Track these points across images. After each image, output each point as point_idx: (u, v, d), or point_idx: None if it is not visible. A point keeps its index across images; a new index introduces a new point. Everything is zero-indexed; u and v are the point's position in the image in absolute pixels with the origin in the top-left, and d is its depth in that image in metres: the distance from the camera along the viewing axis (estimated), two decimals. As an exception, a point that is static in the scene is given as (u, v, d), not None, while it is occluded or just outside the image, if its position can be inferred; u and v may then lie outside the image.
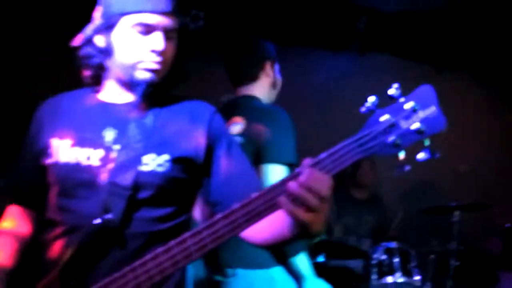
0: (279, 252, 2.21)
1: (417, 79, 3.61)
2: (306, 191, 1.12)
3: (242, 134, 2.24)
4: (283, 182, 1.16)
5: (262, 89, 2.42)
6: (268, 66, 2.43)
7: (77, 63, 1.53)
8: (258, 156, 2.17)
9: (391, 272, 3.57)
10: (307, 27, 4.62)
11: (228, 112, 2.22)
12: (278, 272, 2.22)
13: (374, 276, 3.57)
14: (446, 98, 1.25)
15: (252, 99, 2.37)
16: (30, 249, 1.57)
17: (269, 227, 1.35)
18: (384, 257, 3.61)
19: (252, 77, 2.40)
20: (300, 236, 1.27)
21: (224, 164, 1.49)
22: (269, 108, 2.34)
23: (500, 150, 4.80)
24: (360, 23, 4.54)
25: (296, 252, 2.20)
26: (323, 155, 1.14)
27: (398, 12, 4.40)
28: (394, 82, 1.18)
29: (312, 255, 3.71)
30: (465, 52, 4.64)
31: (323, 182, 1.13)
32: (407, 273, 3.61)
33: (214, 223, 1.20)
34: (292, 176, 1.16)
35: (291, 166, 2.17)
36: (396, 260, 3.59)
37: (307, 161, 1.15)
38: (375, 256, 3.60)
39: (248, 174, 1.51)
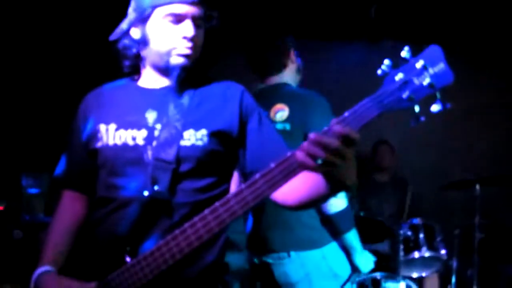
0: (334, 230, 2.37)
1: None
2: (335, 138, 1.24)
3: (288, 120, 2.38)
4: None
5: (291, 75, 2.59)
6: (292, 53, 2.60)
7: (116, 54, 1.69)
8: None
9: (418, 248, 3.68)
10: (318, 19, 4.74)
11: (266, 99, 2.36)
12: (329, 250, 2.37)
13: (401, 253, 3.68)
14: (460, 78, 1.37)
15: (287, 85, 2.54)
16: (85, 228, 1.71)
17: (303, 187, 1.48)
18: (409, 233, 3.72)
19: (281, 66, 2.57)
20: (335, 189, 1.39)
21: (256, 136, 1.63)
22: (308, 93, 2.46)
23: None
24: (371, 11, 4.67)
25: (348, 228, 2.39)
26: (346, 113, 1.28)
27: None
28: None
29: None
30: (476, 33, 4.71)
31: (349, 132, 1.24)
32: (433, 248, 3.72)
33: (254, 182, 1.34)
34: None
35: None
36: (421, 235, 3.70)
37: (333, 120, 1.28)
38: (401, 232, 3.70)
39: (280, 144, 1.65)
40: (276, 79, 2.57)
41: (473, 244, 3.88)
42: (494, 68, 4.87)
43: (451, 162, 4.76)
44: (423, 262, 3.77)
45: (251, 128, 1.64)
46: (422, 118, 1.28)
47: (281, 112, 2.40)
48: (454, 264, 3.98)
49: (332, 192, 1.41)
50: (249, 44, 2.67)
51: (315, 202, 1.54)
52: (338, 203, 2.32)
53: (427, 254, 3.68)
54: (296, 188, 1.49)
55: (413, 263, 3.75)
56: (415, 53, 1.30)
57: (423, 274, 3.87)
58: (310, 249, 2.35)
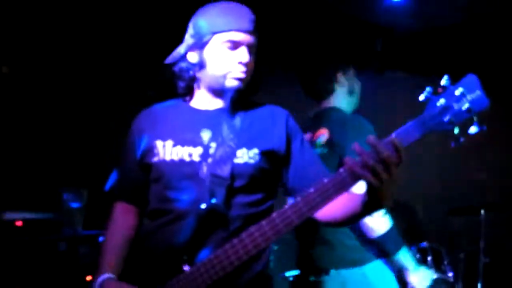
0: (382, 251, 2.35)
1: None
2: (376, 158, 1.39)
3: (326, 145, 2.41)
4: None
5: (340, 99, 2.62)
6: (340, 77, 2.62)
7: (171, 77, 1.83)
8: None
9: None
10: (326, 50, 4.94)
11: (314, 124, 2.50)
12: (371, 269, 2.38)
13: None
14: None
15: (332, 110, 2.58)
16: (141, 237, 1.83)
17: (341, 206, 1.62)
18: (417, 256, 3.84)
19: (328, 91, 2.61)
20: (370, 208, 1.53)
21: (298, 156, 1.78)
22: (349, 117, 2.51)
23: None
24: (378, 43, 4.86)
25: (396, 249, 2.34)
26: (393, 134, 1.43)
27: (415, 31, 4.69)
28: (415, 97, 1.48)
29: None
30: (479, 65, 4.90)
31: (392, 154, 1.39)
32: (441, 270, 3.78)
33: (308, 195, 1.48)
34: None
35: None
36: (429, 258, 3.80)
37: (382, 140, 1.43)
38: None
39: (318, 164, 1.80)
40: (325, 104, 2.62)
41: (478, 268, 4.02)
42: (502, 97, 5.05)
43: (457, 188, 4.89)
44: (431, 284, 3.89)
45: (294, 148, 1.79)
46: (462, 139, 1.43)
47: (321, 137, 2.46)
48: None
49: (367, 210, 1.55)
50: (299, 70, 2.74)
51: (351, 220, 1.67)
52: (380, 226, 2.31)
53: (435, 276, 3.79)
54: (334, 207, 1.61)
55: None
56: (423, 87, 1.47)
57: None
58: (351, 267, 2.37)
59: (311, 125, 2.47)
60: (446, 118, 1.42)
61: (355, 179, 1.44)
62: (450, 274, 3.87)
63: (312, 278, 2.46)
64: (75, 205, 3.63)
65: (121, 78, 4.48)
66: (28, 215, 3.37)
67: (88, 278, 3.12)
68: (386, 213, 2.33)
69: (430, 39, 4.77)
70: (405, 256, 2.38)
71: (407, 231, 4.45)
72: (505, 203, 4.16)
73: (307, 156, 1.80)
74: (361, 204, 1.55)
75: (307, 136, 2.44)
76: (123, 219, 1.87)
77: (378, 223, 2.29)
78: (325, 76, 2.62)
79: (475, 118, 1.42)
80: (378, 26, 4.79)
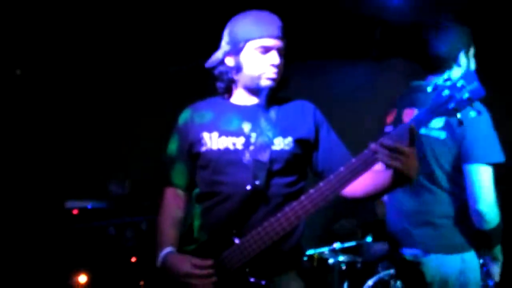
0: (487, 243, 2.35)
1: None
2: (389, 149, 1.67)
3: (444, 128, 2.38)
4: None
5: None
6: (463, 55, 2.48)
7: (212, 78, 2.12)
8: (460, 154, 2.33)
9: None
10: (327, 42, 5.11)
11: (421, 97, 2.43)
12: (467, 258, 2.36)
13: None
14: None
15: None
16: (193, 217, 2.12)
17: (370, 182, 1.91)
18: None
19: (444, 66, 2.45)
20: (397, 182, 1.81)
21: (326, 143, 2.08)
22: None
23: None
24: (376, 31, 5.07)
25: (497, 243, 2.35)
26: (410, 120, 1.72)
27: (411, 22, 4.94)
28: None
29: (361, 236, 4.26)
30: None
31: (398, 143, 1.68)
32: None
33: (339, 173, 1.77)
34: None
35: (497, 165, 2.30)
36: None
37: (398, 126, 1.73)
38: None
39: (343, 149, 2.10)
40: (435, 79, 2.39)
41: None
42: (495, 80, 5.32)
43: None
44: None
45: (322, 136, 2.09)
46: (464, 123, 1.74)
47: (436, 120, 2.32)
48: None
49: (396, 184, 1.82)
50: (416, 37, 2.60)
51: (380, 194, 1.95)
52: (494, 219, 2.29)
53: None
54: (363, 183, 1.91)
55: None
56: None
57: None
58: (450, 254, 2.37)
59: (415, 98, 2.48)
60: (451, 106, 1.72)
61: (377, 160, 1.73)
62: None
63: (410, 258, 2.46)
64: (119, 194, 3.97)
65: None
66: (81, 204, 3.71)
67: (133, 259, 3.47)
68: (497, 206, 2.33)
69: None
70: (499, 249, 2.41)
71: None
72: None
73: (333, 143, 2.10)
74: (389, 179, 1.83)
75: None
76: (174, 202, 2.15)
77: (493, 215, 2.28)
78: (449, 47, 2.46)
79: (473, 105, 1.73)
80: (376, 18, 5.02)
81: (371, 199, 1.99)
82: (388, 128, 2.60)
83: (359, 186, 1.93)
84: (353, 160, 1.77)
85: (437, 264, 2.37)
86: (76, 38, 4.40)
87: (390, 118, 2.62)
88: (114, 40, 4.61)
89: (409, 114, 2.49)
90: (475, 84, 1.71)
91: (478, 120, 2.28)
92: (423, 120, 1.74)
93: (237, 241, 1.89)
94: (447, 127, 2.37)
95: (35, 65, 4.30)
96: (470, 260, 2.37)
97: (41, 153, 3.99)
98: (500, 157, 2.29)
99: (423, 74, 2.54)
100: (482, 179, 2.29)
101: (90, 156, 4.53)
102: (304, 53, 5.08)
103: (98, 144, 4.63)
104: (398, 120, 2.54)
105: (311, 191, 1.82)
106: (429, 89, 1.77)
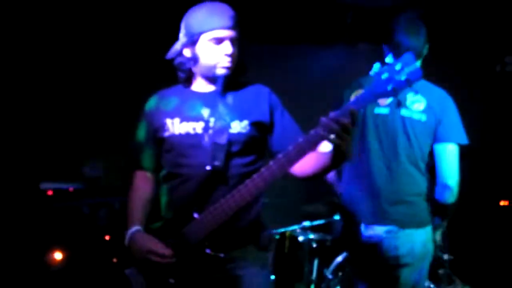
0: (444, 214, 2.70)
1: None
2: (337, 124, 1.80)
3: (425, 111, 2.62)
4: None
5: None
6: (426, 48, 2.75)
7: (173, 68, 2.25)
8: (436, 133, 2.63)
9: None
10: (300, 26, 5.19)
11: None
12: (429, 230, 2.69)
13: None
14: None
15: None
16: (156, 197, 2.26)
17: (314, 162, 2.05)
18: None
19: (417, 55, 2.64)
20: (337, 160, 1.96)
21: (280, 125, 2.22)
22: (439, 89, 2.71)
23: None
24: (348, 16, 5.17)
25: (451, 215, 2.70)
26: (352, 99, 1.85)
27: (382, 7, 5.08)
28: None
29: (329, 215, 4.42)
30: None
31: (347, 120, 1.80)
32: None
33: (287, 152, 1.90)
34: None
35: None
36: None
37: (345, 105, 1.85)
38: None
39: (296, 130, 2.23)
40: None
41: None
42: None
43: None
44: None
45: (276, 119, 2.22)
46: (402, 103, 1.88)
47: (419, 104, 2.63)
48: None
49: (336, 163, 1.97)
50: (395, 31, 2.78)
51: (324, 173, 2.08)
52: (457, 193, 2.62)
53: None
54: (309, 163, 2.06)
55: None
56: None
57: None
58: (418, 228, 2.64)
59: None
60: (390, 87, 1.84)
61: (322, 138, 1.86)
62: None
63: (383, 234, 2.66)
64: (94, 175, 4.12)
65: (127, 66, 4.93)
66: (56, 185, 3.86)
67: (107, 237, 3.63)
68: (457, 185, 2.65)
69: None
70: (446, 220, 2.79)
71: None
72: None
73: (287, 125, 2.24)
74: (330, 158, 1.99)
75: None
76: (143, 184, 2.30)
77: (458, 190, 2.62)
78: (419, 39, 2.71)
79: (412, 86, 1.86)
80: (346, 4, 5.14)
81: (317, 177, 2.12)
82: None
83: (305, 166, 2.08)
84: (300, 139, 1.90)
85: (409, 238, 2.63)
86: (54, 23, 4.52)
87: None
88: (91, 24, 4.73)
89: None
90: (413, 67, 1.84)
91: (451, 105, 2.64)
92: (364, 101, 1.87)
93: (196, 216, 2.04)
94: (427, 110, 2.63)
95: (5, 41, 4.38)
96: (429, 233, 2.69)
97: (17, 136, 4.10)
98: (467, 139, 2.65)
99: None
100: (454, 157, 2.62)
101: (65, 139, 4.70)
102: (278, 36, 5.23)
103: (72, 127, 4.78)
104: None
105: (262, 169, 1.95)
106: (371, 72, 1.90)
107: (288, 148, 1.91)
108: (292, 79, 5.23)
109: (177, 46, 2.22)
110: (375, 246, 2.70)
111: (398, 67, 1.85)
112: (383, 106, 2.68)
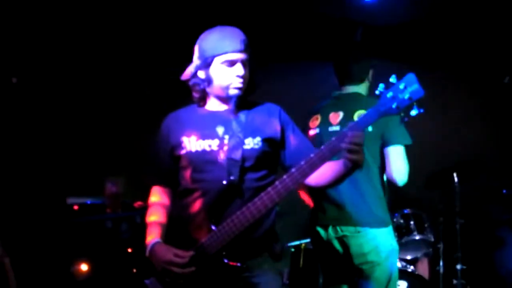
0: None
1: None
2: (352, 144, 1.97)
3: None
4: (336, 139, 2.01)
5: (364, 90, 3.20)
6: (371, 73, 3.21)
7: (188, 89, 2.38)
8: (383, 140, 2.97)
9: (409, 232, 4.26)
10: (309, 43, 5.38)
11: (345, 103, 3.08)
12: (390, 229, 3.03)
13: (395, 238, 4.31)
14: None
15: (360, 95, 3.16)
16: (176, 210, 2.38)
17: (329, 172, 2.19)
18: (401, 221, 4.28)
19: (360, 80, 3.17)
20: (350, 171, 2.10)
21: (291, 140, 2.35)
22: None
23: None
24: (358, 33, 5.33)
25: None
26: (358, 119, 1.99)
27: (389, 25, 5.24)
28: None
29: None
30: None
31: (360, 136, 1.98)
32: (422, 232, 4.29)
33: (310, 159, 2.04)
34: (342, 135, 2.01)
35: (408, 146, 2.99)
36: (412, 222, 4.28)
37: (350, 124, 2.00)
38: (394, 220, 4.26)
39: (308, 144, 2.37)
40: (351, 89, 3.16)
41: (455, 229, 4.57)
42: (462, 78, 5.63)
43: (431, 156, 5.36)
44: (414, 245, 4.34)
45: (287, 135, 2.35)
46: (406, 119, 1.99)
47: None
48: (441, 248, 4.62)
49: (350, 172, 2.11)
50: (337, 56, 3.27)
51: (338, 181, 2.23)
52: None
53: (417, 237, 4.26)
54: (324, 174, 2.20)
55: (406, 246, 4.32)
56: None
57: (418, 255, 4.51)
58: (380, 227, 2.96)
59: (337, 102, 3.10)
60: (394, 105, 1.97)
61: (333, 154, 2.01)
62: (431, 235, 4.37)
63: (348, 234, 2.99)
64: (114, 191, 4.31)
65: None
66: (81, 201, 4.04)
67: (129, 250, 3.79)
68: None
69: (402, 32, 5.35)
70: None
71: (393, 201, 4.99)
72: (477, 166, 4.69)
73: (298, 140, 2.37)
74: (343, 168, 2.12)
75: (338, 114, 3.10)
76: (161, 199, 2.44)
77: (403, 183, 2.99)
78: (362, 65, 3.19)
79: (414, 104, 1.98)
80: (355, 21, 5.29)
81: (331, 186, 2.28)
82: (313, 131, 3.15)
83: (321, 176, 2.22)
84: (312, 155, 2.04)
85: (372, 236, 2.95)
86: (73, 39, 4.74)
87: (314, 123, 3.17)
88: (111, 40, 4.93)
89: (336, 117, 3.10)
90: (415, 86, 1.97)
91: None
92: (370, 118, 2.00)
93: (214, 228, 2.16)
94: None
95: (32, 68, 4.60)
96: (391, 231, 3.05)
97: (44, 155, 4.32)
98: (410, 140, 2.98)
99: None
100: (402, 157, 2.96)
101: (87, 157, 4.93)
102: (286, 54, 5.37)
103: (94, 145, 5.04)
104: (324, 123, 3.12)
105: (276, 183, 2.08)
106: (377, 92, 2.03)
107: (301, 163, 2.05)
108: (298, 93, 5.38)
109: (192, 68, 2.35)
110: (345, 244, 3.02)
111: (401, 86, 1.97)
112: (335, 125, 3.07)
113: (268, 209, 2.11)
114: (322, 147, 2.04)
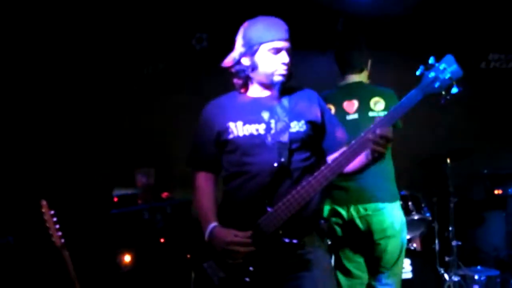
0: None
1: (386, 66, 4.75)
2: (381, 138, 2.10)
3: (385, 109, 3.18)
4: (367, 132, 2.14)
5: (365, 79, 3.39)
6: (370, 63, 3.40)
7: (230, 76, 2.48)
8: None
9: (408, 213, 4.44)
10: (295, 32, 5.54)
11: (356, 91, 3.27)
12: (399, 204, 3.28)
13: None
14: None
15: (368, 84, 3.38)
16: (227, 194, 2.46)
17: (359, 160, 2.28)
18: (400, 202, 4.55)
19: (360, 69, 3.36)
20: (377, 160, 2.22)
21: (329, 124, 2.48)
22: (389, 90, 3.30)
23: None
24: (339, 23, 5.47)
25: None
26: (403, 99, 2.13)
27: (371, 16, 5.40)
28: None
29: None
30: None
31: (389, 132, 2.11)
32: (420, 212, 4.50)
33: (342, 153, 2.17)
34: (371, 129, 2.13)
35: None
36: (410, 203, 4.48)
37: (395, 106, 2.13)
38: None
39: (341, 128, 2.51)
40: (354, 78, 3.34)
41: (449, 208, 4.80)
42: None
43: (424, 140, 5.61)
44: (413, 225, 4.52)
45: (326, 118, 2.49)
46: (448, 97, 2.15)
47: (379, 104, 3.24)
48: (436, 227, 4.84)
49: (375, 161, 2.24)
50: (338, 45, 3.45)
51: (364, 168, 2.34)
52: None
53: (416, 217, 4.47)
54: (356, 161, 2.29)
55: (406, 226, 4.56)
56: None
57: (416, 235, 4.70)
58: (394, 201, 3.20)
59: (345, 91, 3.28)
60: (437, 85, 2.12)
61: (366, 147, 2.15)
62: (428, 214, 4.61)
63: (369, 212, 3.19)
64: (145, 182, 4.37)
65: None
66: (120, 192, 4.09)
67: (162, 240, 3.87)
68: None
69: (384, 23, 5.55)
70: None
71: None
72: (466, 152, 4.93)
73: (334, 123, 2.51)
74: (369, 158, 2.24)
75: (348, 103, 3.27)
76: (206, 184, 2.52)
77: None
78: (361, 54, 3.38)
79: (454, 83, 2.14)
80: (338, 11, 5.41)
81: (359, 173, 2.40)
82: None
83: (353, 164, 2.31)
84: (353, 142, 2.17)
85: (389, 211, 3.18)
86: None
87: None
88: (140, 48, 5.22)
89: (351, 106, 3.27)
90: (454, 66, 2.12)
91: (397, 99, 3.08)
92: (414, 98, 2.14)
93: (269, 209, 2.26)
94: (387, 108, 3.16)
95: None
96: (400, 206, 3.29)
97: (86, 151, 4.68)
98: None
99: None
100: None
101: (119, 149, 5.07)
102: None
103: (127, 137, 5.21)
104: (339, 113, 3.23)
105: (322, 167, 2.20)
106: (417, 72, 2.18)
107: (344, 149, 2.19)
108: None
109: (235, 55, 2.44)
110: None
111: (442, 67, 2.12)
112: (352, 113, 3.22)
113: (317, 191, 2.22)
114: (362, 133, 2.16)
